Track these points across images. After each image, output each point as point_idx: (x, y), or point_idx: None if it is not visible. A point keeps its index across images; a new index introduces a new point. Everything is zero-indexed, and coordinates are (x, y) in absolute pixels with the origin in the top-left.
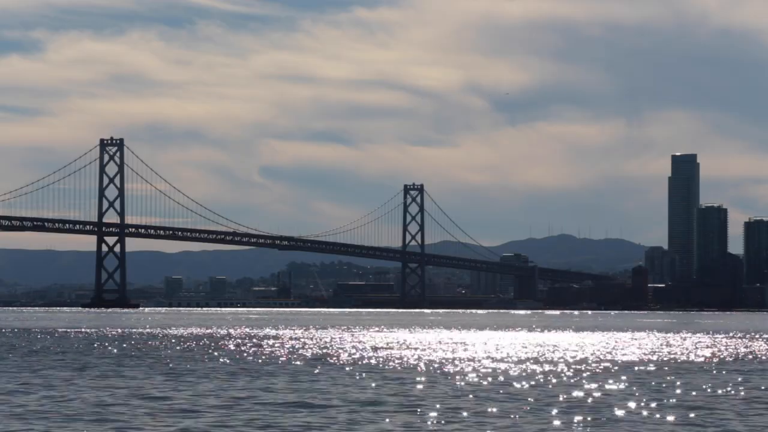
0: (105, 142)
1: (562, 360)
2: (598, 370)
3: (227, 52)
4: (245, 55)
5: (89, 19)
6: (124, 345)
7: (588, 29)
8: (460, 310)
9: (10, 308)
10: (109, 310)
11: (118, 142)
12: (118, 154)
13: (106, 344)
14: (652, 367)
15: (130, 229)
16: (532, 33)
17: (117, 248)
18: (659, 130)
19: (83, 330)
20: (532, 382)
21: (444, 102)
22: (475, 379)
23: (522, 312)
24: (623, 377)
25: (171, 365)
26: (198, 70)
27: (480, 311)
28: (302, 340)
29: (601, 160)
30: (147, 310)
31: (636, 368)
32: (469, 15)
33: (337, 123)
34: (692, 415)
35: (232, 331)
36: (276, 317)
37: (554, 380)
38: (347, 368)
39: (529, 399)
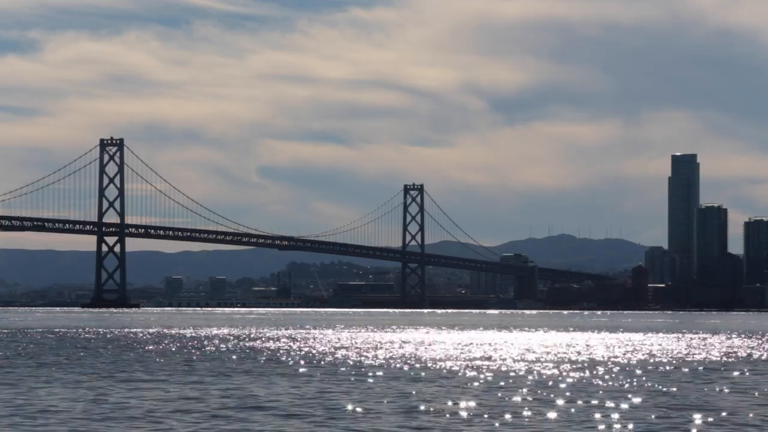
0: (105, 142)
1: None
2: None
3: (224, 52)
4: (242, 55)
5: (86, 19)
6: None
7: (585, 29)
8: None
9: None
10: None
11: (118, 142)
12: (118, 154)
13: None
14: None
15: (130, 229)
16: (529, 33)
17: (117, 248)
18: (657, 130)
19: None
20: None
21: (441, 102)
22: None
23: (529, 312)
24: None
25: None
26: (195, 70)
27: (493, 311)
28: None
29: (600, 160)
30: (157, 310)
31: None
32: (466, 15)
33: (335, 123)
34: None
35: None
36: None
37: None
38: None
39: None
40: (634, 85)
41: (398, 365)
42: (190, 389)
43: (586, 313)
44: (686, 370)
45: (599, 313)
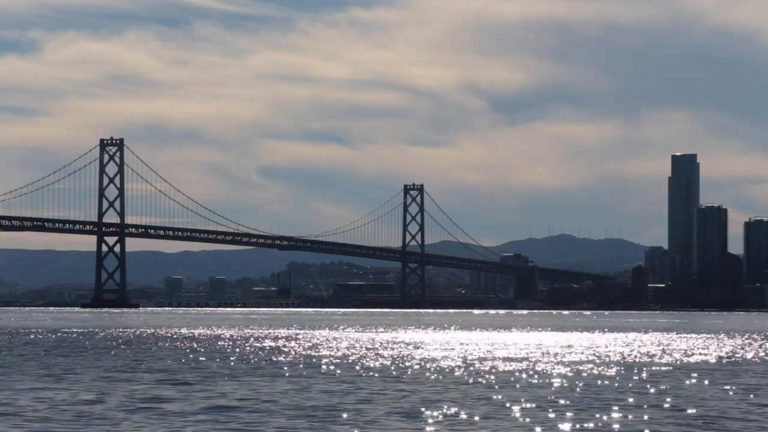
0: (105, 142)
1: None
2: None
3: (224, 52)
4: (242, 55)
5: (86, 19)
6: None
7: (585, 29)
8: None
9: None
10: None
11: (118, 142)
12: (118, 154)
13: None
14: None
15: (130, 229)
16: (528, 33)
17: (117, 248)
18: (657, 130)
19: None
20: None
21: (441, 102)
22: None
23: (528, 312)
24: None
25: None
26: (195, 71)
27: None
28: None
29: (600, 160)
30: (158, 309)
31: None
32: (466, 15)
33: (335, 123)
34: None
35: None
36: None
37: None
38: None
39: None
40: (634, 85)
41: (397, 365)
42: (192, 388)
43: (588, 313)
44: (688, 370)
45: (593, 312)
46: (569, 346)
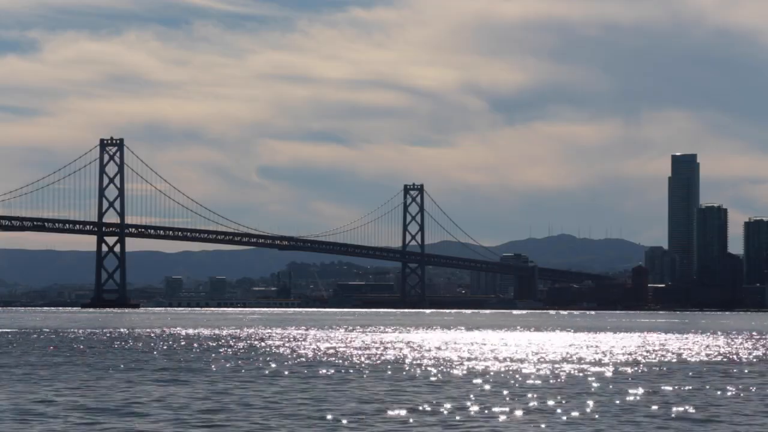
0: (105, 142)
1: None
2: None
3: (224, 52)
4: (242, 55)
5: (86, 19)
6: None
7: (585, 29)
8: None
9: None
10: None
11: (118, 142)
12: (118, 154)
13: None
14: None
15: (130, 229)
16: (529, 33)
17: (117, 248)
18: (657, 130)
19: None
20: None
21: (441, 102)
22: None
23: (527, 312)
24: None
25: None
26: (195, 71)
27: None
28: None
29: (600, 160)
30: (161, 310)
31: None
32: (466, 15)
33: (335, 123)
34: None
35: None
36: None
37: None
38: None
39: None
40: (634, 85)
41: (395, 366)
42: (196, 389)
43: (588, 313)
44: (687, 370)
45: (593, 313)
46: (570, 345)
